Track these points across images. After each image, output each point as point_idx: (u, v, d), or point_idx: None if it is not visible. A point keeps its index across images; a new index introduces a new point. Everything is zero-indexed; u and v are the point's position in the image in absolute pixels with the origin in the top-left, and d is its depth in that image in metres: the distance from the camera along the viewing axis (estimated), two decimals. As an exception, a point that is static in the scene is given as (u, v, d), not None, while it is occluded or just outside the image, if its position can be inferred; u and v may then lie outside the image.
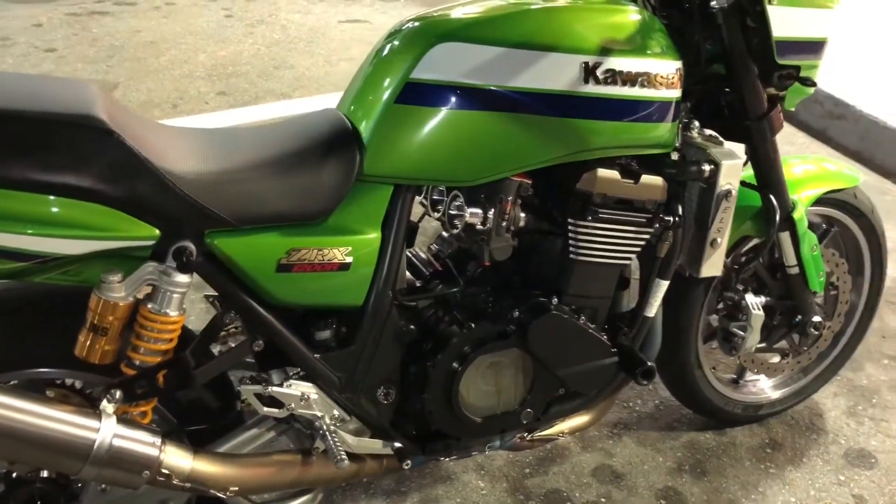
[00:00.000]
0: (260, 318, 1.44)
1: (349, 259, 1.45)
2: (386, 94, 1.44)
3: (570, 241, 1.60)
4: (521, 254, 1.63)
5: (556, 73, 1.46)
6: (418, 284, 1.66)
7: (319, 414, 1.53)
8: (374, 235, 1.48)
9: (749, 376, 2.27)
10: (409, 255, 1.70)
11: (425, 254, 1.74)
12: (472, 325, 1.58)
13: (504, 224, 1.56)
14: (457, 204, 1.57)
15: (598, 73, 1.47)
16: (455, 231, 1.58)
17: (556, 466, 2.12)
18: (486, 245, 1.57)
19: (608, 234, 1.60)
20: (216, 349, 1.50)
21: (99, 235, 1.26)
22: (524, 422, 1.69)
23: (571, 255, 1.60)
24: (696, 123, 1.72)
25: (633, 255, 1.66)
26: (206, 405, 1.54)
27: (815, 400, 2.38)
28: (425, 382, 1.57)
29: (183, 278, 1.34)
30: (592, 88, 1.48)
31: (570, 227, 1.59)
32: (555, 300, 1.62)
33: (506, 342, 1.60)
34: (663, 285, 1.71)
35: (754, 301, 1.97)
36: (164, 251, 1.33)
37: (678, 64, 1.58)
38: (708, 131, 1.74)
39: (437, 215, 1.63)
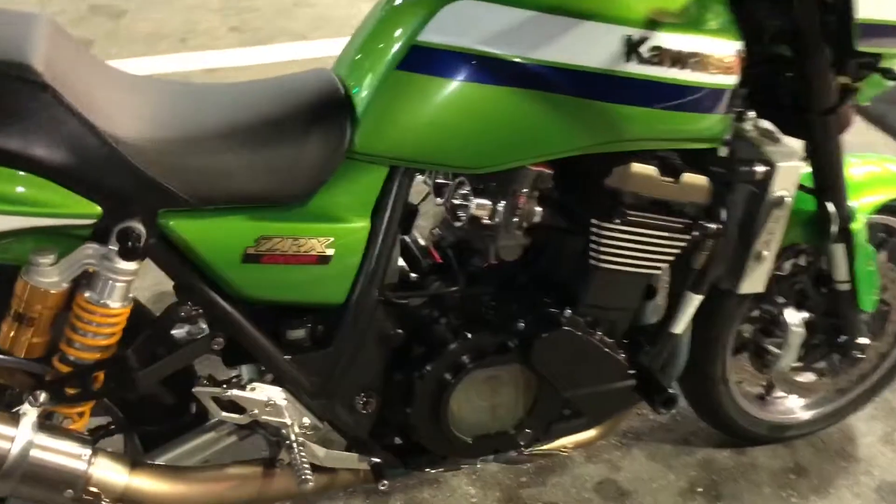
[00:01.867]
0: (221, 313, 1.26)
1: (330, 251, 1.27)
2: (386, 59, 1.26)
3: (592, 245, 1.41)
4: (533, 254, 1.44)
5: (592, 47, 1.25)
6: (412, 277, 1.46)
7: (287, 422, 1.35)
8: (362, 224, 1.29)
9: (777, 392, 2.07)
10: (406, 240, 1.50)
11: (426, 240, 1.54)
12: (470, 334, 1.40)
13: (516, 220, 1.37)
14: (462, 192, 1.37)
15: (643, 49, 1.27)
16: (458, 224, 1.37)
17: (556, 477, 1.95)
18: (493, 242, 1.39)
19: (637, 239, 1.41)
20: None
21: (26, 211, 1.08)
22: (521, 443, 1.51)
23: (592, 261, 1.42)
24: (752, 114, 1.49)
25: (663, 265, 1.45)
26: (163, 402, 1.36)
27: (849, 423, 2.17)
28: (410, 394, 1.40)
29: (127, 265, 1.14)
30: (634, 68, 1.27)
31: (593, 229, 1.40)
32: (567, 312, 1.42)
33: (506, 356, 1.42)
34: (696, 300, 1.52)
35: (795, 317, 1.77)
36: (106, 231, 1.14)
37: (739, 45, 1.35)
38: (764, 123, 1.52)
39: (440, 201, 1.43)
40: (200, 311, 1.26)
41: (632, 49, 1.25)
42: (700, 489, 1.96)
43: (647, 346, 1.54)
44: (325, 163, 1.24)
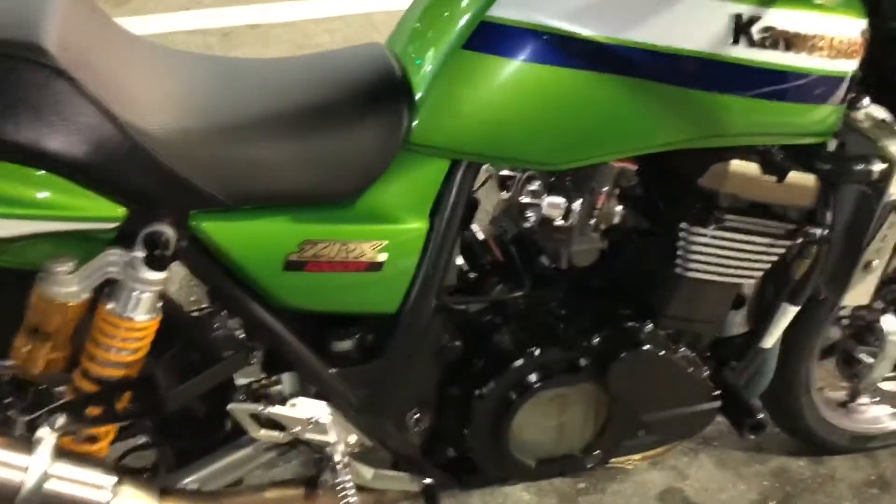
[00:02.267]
0: (260, 324, 1.14)
1: (382, 256, 1.13)
2: (450, 36, 1.11)
3: (680, 251, 1.26)
4: (610, 259, 1.28)
5: (694, 27, 1.09)
6: (470, 278, 1.32)
7: (332, 440, 1.22)
8: (419, 225, 1.15)
9: (862, 400, 1.90)
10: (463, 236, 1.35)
11: (485, 234, 1.38)
12: (537, 350, 1.25)
13: (593, 221, 1.21)
14: (531, 189, 1.21)
15: (754, 30, 1.09)
16: (526, 224, 1.21)
17: (617, 484, 1.82)
18: (566, 246, 1.24)
19: (732, 246, 1.26)
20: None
21: (40, 214, 0.96)
22: (588, 465, 1.37)
23: (678, 269, 1.27)
24: (867, 101, 1.29)
25: (758, 274, 1.29)
26: (197, 415, 1.24)
27: (940, 433, 2.00)
28: (469, 412, 1.27)
29: (154, 274, 1.01)
30: (742, 52, 1.10)
31: (681, 234, 1.25)
32: (648, 327, 1.27)
33: (578, 376, 1.28)
34: (791, 312, 1.36)
35: (893, 325, 1.61)
36: (131, 235, 1.01)
37: (863, 23, 1.17)
38: (878, 111, 1.32)
39: (505, 195, 1.27)
40: (237, 320, 1.14)
41: (741, 30, 1.09)
42: (773, 502, 1.82)
43: (733, 361, 1.39)
44: (379, 155, 1.10)
